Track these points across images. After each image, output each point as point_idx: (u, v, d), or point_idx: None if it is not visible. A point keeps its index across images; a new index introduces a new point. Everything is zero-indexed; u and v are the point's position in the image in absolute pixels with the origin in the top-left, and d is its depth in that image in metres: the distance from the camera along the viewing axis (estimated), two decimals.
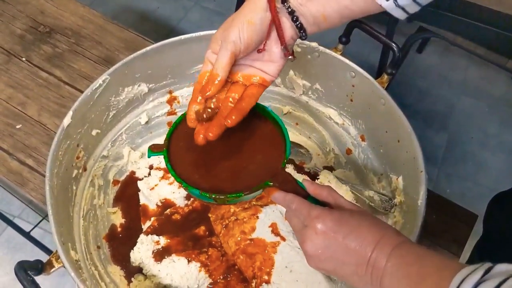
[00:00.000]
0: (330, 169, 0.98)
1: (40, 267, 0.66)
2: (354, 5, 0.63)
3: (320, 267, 0.58)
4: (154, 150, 0.71)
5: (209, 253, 0.83)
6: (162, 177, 0.94)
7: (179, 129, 0.72)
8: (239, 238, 0.80)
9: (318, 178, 0.92)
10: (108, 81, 0.85)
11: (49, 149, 0.77)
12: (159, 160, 0.97)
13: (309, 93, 0.98)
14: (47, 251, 1.30)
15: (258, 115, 0.72)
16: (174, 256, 0.82)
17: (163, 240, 0.84)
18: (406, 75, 2.07)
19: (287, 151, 0.67)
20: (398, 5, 0.62)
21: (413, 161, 0.79)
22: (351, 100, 0.92)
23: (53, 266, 0.68)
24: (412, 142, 0.79)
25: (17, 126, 1.06)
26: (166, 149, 0.69)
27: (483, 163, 1.88)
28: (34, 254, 1.49)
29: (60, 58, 1.16)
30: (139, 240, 0.86)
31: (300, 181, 0.64)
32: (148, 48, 0.88)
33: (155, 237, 0.84)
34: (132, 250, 0.85)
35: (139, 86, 0.92)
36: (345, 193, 0.89)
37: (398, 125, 0.82)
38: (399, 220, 0.82)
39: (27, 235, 1.28)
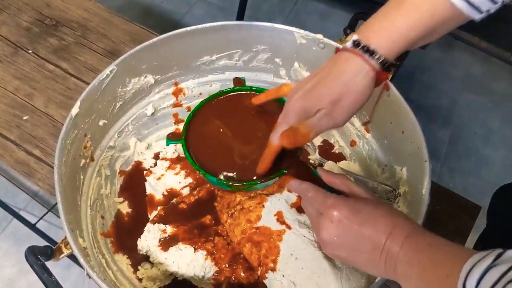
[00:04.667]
0: (335, 160, 0.98)
1: (49, 253, 0.67)
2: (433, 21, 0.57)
3: (335, 253, 0.59)
4: (172, 138, 0.73)
5: (215, 242, 0.84)
6: (168, 167, 0.95)
7: (197, 118, 0.75)
8: (245, 227, 0.81)
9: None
10: (115, 72, 0.86)
11: (56, 140, 0.78)
12: (166, 151, 0.98)
13: None
14: (53, 242, 1.30)
15: (274, 105, 0.74)
16: (180, 245, 0.83)
17: (169, 229, 0.85)
18: (409, 70, 2.08)
19: (301, 147, 0.68)
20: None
21: (417, 151, 0.79)
22: None
23: (62, 252, 0.69)
24: (417, 133, 0.80)
25: (24, 117, 1.07)
26: (184, 138, 0.72)
27: (486, 158, 1.88)
28: (40, 245, 1.50)
29: (66, 51, 1.17)
30: (146, 228, 0.87)
31: (315, 170, 0.65)
32: (155, 39, 0.89)
33: (162, 226, 0.85)
34: (139, 238, 0.86)
35: (145, 77, 0.93)
36: None
37: (402, 116, 0.83)
38: (403, 210, 0.82)
39: (32, 227, 1.29)
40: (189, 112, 0.75)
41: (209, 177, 0.67)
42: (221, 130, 0.75)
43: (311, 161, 0.97)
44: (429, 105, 2.01)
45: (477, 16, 0.57)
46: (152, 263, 0.84)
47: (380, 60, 0.57)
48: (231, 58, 0.98)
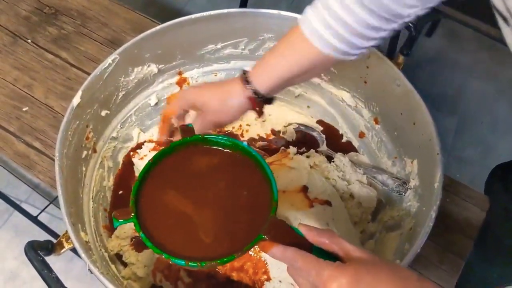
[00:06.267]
0: (343, 152, 0.96)
1: (50, 247, 0.65)
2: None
3: None
4: (120, 216, 0.57)
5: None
6: (153, 149, 0.92)
7: (146, 189, 0.61)
8: None
9: (334, 161, 0.90)
10: (118, 61, 0.83)
11: (57, 132, 0.76)
12: (152, 133, 0.96)
13: (322, 75, 0.96)
14: (55, 235, 1.29)
15: (230, 156, 0.64)
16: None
17: None
18: (415, 59, 2.04)
19: (274, 195, 0.57)
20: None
21: (429, 143, 0.77)
22: (365, 82, 0.90)
23: (63, 247, 0.67)
24: (429, 124, 0.78)
25: (24, 109, 1.04)
26: (134, 215, 0.57)
27: (493, 147, 1.86)
28: (42, 238, 1.47)
29: (66, 40, 1.14)
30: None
31: (296, 227, 0.55)
32: (158, 27, 0.86)
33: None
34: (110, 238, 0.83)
35: (148, 66, 0.91)
36: (360, 177, 0.88)
37: (414, 107, 0.81)
38: (413, 204, 0.80)
39: (34, 219, 1.28)
40: (134, 183, 0.60)
41: (175, 260, 0.54)
42: (177, 201, 0.61)
43: (320, 153, 0.94)
44: (435, 94, 1.98)
45: (351, 58, 0.67)
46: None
47: (252, 91, 0.69)
48: (237, 46, 0.95)
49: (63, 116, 0.77)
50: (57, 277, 0.61)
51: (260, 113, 0.73)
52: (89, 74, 0.82)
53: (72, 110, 0.77)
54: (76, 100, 0.78)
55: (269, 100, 0.72)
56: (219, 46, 0.94)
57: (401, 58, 0.86)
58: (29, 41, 1.15)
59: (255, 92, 0.69)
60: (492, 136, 1.88)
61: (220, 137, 0.64)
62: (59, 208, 0.68)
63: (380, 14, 0.61)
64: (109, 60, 0.82)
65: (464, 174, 1.77)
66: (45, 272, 0.60)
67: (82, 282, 1.47)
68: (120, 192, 0.90)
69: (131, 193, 0.59)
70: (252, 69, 0.70)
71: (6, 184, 1.64)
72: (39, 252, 0.62)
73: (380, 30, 0.64)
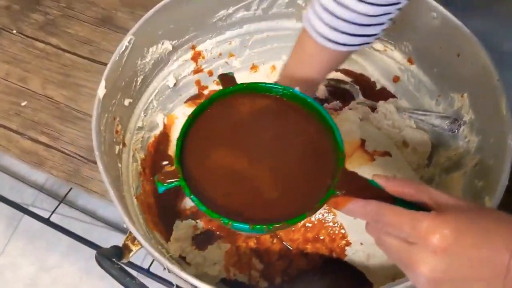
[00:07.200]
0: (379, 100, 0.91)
1: (119, 253, 0.58)
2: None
3: None
4: (164, 179, 0.49)
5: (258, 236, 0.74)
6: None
7: (191, 146, 0.52)
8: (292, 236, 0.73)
9: (377, 111, 0.85)
10: (134, 42, 0.76)
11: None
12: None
13: None
14: (73, 235, 1.21)
15: (280, 104, 0.57)
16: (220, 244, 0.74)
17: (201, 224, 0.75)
18: None
19: (340, 144, 0.50)
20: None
21: (483, 71, 0.73)
22: (393, 22, 0.85)
23: (131, 250, 0.61)
24: (478, 51, 0.73)
25: (22, 104, 0.96)
26: (182, 177, 0.50)
27: None
28: (57, 239, 1.43)
29: (54, 25, 1.06)
30: (174, 226, 0.77)
31: (372, 180, 0.47)
32: None
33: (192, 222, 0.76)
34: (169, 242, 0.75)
35: (162, 44, 0.83)
36: (408, 123, 0.83)
37: (456, 36, 0.76)
38: (472, 139, 0.76)
39: (47, 221, 1.19)
40: (177, 140, 0.52)
41: (237, 224, 0.47)
42: (228, 157, 0.53)
43: (357, 104, 0.89)
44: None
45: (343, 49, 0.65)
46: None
47: None
48: (249, 8, 0.88)
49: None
50: (141, 283, 0.54)
51: None
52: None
53: (99, 102, 0.70)
54: (101, 91, 0.70)
55: None
56: (230, 10, 0.87)
57: None
58: (14, 31, 1.06)
59: None
60: None
61: (267, 84, 0.57)
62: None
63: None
64: (125, 42, 0.74)
65: None
66: (128, 280, 0.54)
67: (104, 280, 1.40)
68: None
69: (174, 153, 0.51)
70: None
71: (9, 189, 1.54)
72: (114, 260, 0.55)
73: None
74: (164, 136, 0.88)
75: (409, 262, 0.43)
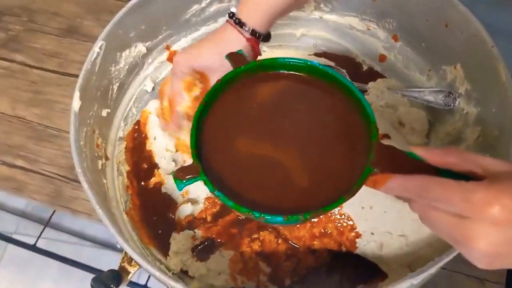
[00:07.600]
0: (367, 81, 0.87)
1: (117, 277, 0.53)
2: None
3: (498, 265, 0.41)
4: (182, 175, 0.45)
5: (261, 238, 0.70)
6: None
7: (209, 137, 0.48)
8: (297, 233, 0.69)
9: (368, 92, 0.82)
10: (105, 48, 0.70)
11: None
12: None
13: (321, 6, 0.87)
14: (63, 259, 1.15)
15: (299, 80, 0.53)
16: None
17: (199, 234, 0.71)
18: None
19: (371, 116, 0.46)
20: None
21: (475, 40, 0.69)
22: (373, 0, 0.81)
23: (129, 272, 0.56)
24: (467, 19, 0.70)
25: None
26: (202, 172, 0.45)
27: None
28: (46, 265, 1.37)
29: (17, 41, 1.00)
30: (171, 239, 0.71)
31: (411, 152, 0.43)
32: None
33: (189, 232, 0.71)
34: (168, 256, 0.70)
35: (135, 47, 0.78)
36: (401, 101, 0.80)
37: (442, 6, 0.73)
38: (471, 110, 0.73)
39: (33, 247, 1.14)
40: (191, 131, 0.48)
41: (270, 217, 0.43)
42: (250, 144, 0.49)
43: None
44: None
45: None
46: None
47: (250, 31, 0.63)
48: (222, 0, 0.84)
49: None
50: None
51: (259, 54, 0.67)
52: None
53: (75, 116, 0.64)
54: (76, 103, 0.65)
55: (266, 37, 0.68)
56: (203, 4, 0.83)
57: None
58: None
59: (253, 32, 0.64)
60: None
61: (282, 59, 0.52)
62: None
63: None
64: (96, 48, 0.69)
65: None
66: None
67: None
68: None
69: (191, 149, 0.46)
70: (238, 10, 0.65)
71: None
72: (112, 286, 0.50)
73: None
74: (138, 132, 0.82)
75: (463, 237, 0.39)
